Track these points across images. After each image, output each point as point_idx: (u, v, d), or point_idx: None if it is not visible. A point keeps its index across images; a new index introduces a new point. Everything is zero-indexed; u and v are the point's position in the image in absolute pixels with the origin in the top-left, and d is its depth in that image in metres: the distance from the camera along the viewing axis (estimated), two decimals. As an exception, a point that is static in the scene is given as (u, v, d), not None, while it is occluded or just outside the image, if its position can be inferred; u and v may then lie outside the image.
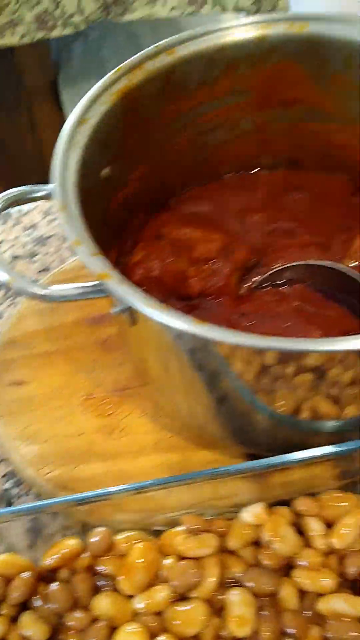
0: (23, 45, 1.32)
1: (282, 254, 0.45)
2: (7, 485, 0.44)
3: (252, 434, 0.38)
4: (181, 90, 0.41)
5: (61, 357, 0.49)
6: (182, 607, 0.33)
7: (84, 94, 0.37)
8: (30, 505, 0.36)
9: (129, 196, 0.43)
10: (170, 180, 0.46)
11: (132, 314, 0.33)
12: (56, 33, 1.18)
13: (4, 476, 0.45)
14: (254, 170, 0.49)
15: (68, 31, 1.18)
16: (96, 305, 0.51)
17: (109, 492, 0.36)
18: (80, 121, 0.36)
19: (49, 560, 0.36)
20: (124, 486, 0.36)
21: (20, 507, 0.36)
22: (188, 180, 0.48)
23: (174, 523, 0.37)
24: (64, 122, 0.36)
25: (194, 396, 0.37)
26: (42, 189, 0.36)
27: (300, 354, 0.29)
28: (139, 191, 0.43)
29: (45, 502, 0.36)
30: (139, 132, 0.40)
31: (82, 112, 0.36)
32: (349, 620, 0.32)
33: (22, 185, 0.36)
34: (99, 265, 0.30)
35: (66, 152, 0.35)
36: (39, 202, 0.62)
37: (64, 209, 0.32)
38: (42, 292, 0.33)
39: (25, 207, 0.62)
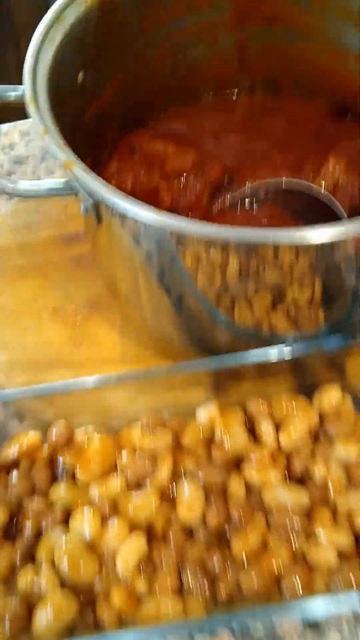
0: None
1: (255, 174, 0.45)
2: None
3: (212, 340, 0.39)
4: (160, 0, 0.41)
5: (33, 271, 0.49)
6: (135, 495, 0.35)
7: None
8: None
9: (104, 106, 0.43)
10: (146, 94, 0.46)
11: (97, 211, 0.33)
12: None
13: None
14: (233, 92, 0.50)
15: None
16: (70, 223, 0.52)
17: (69, 384, 0.37)
18: (57, 18, 0.36)
19: (10, 450, 0.37)
20: (82, 379, 0.37)
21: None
22: (165, 98, 0.48)
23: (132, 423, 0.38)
24: None
25: (156, 300, 0.38)
26: (19, 88, 0.36)
27: (250, 247, 0.30)
28: (114, 102, 0.43)
29: (9, 391, 0.37)
30: (116, 38, 0.41)
31: (59, 9, 0.36)
32: (290, 509, 0.34)
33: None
34: (65, 154, 0.31)
35: (40, 49, 0.35)
36: (19, 123, 0.62)
37: (33, 100, 0.32)
38: (11, 185, 0.34)
39: (4, 127, 0.62)
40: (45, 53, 0.35)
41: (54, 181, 0.34)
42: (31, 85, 0.33)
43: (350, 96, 0.46)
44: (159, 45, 0.44)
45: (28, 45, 1.13)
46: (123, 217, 0.31)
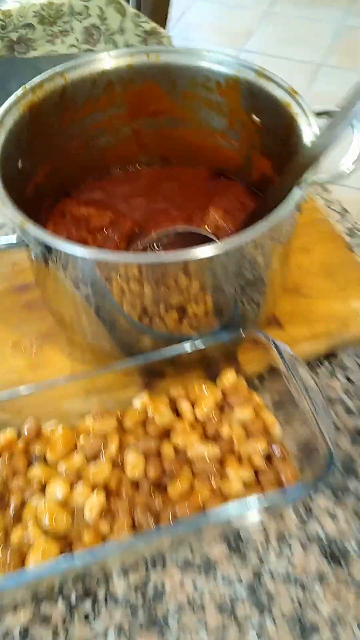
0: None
1: (158, 225, 0.59)
2: None
3: (138, 346, 0.52)
4: (73, 104, 0.56)
5: (-8, 317, 0.61)
6: (92, 465, 0.47)
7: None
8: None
9: (39, 184, 0.56)
10: (70, 173, 0.60)
11: (44, 255, 0.46)
12: (99, 47, 1.29)
13: None
14: (135, 166, 0.64)
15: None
16: (19, 277, 0.64)
17: (20, 392, 0.49)
18: (0, 123, 0.49)
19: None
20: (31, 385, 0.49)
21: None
22: (84, 175, 0.62)
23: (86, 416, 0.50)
24: None
25: (93, 322, 0.51)
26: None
27: (154, 268, 0.43)
28: (46, 181, 0.57)
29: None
30: (42, 135, 0.54)
31: (0, 117, 0.50)
32: (207, 459, 0.46)
33: None
34: (20, 216, 0.44)
35: (-10, 147, 0.48)
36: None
37: (-8, 184, 0.45)
38: (-25, 245, 0.46)
39: None
40: (-6, 150, 0.48)
41: (8, 237, 0.47)
42: (-12, 173, 0.46)
43: (222, 162, 0.61)
44: (75, 137, 0.58)
45: None
46: (64, 255, 0.44)
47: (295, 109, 0.51)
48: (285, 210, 0.44)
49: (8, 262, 0.65)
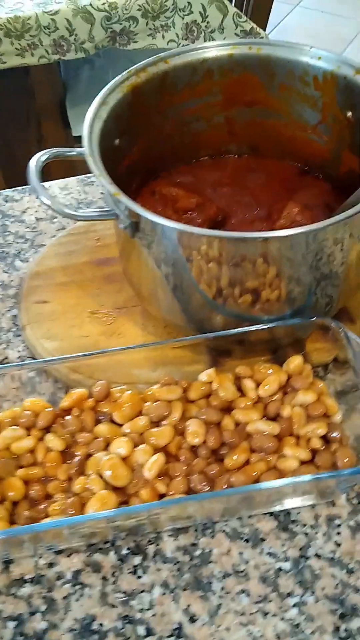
0: (37, 67, 1.50)
1: (240, 216, 0.61)
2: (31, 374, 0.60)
3: (210, 324, 0.54)
4: (172, 88, 0.58)
5: (74, 285, 0.65)
6: (156, 429, 0.49)
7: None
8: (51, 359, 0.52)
9: (132, 162, 0.59)
10: (162, 155, 0.63)
11: (132, 228, 0.49)
12: (70, 56, 1.36)
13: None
14: (225, 155, 0.66)
15: (80, 55, 1.37)
16: (102, 252, 0.68)
17: (94, 352, 0.52)
18: (103, 103, 0.53)
19: (64, 402, 0.51)
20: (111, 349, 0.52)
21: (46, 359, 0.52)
22: (175, 158, 0.64)
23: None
24: (69, 137, 0.52)
25: (170, 295, 0.53)
26: (76, 150, 0.53)
27: (232, 242, 0.45)
28: (139, 160, 0.60)
29: (61, 357, 0.52)
30: (141, 116, 0.57)
31: (104, 97, 0.53)
32: (267, 435, 0.48)
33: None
34: (114, 188, 0.47)
35: (92, 123, 0.52)
36: (57, 181, 0.79)
37: (91, 155, 0.49)
38: (72, 212, 0.50)
39: (47, 184, 0.79)
40: (96, 126, 0.51)
41: (102, 209, 0.50)
42: (89, 146, 0.49)
43: (311, 155, 0.63)
44: (170, 120, 0.61)
45: (47, 123, 1.33)
46: (151, 226, 0.47)
47: (388, 107, 0.51)
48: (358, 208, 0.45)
49: (93, 237, 0.69)
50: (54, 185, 0.78)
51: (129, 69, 0.55)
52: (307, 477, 0.43)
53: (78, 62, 1.66)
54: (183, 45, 1.29)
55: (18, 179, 0.74)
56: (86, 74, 1.68)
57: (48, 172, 0.53)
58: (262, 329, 0.52)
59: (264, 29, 1.57)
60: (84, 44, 1.37)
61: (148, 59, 0.56)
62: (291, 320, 0.52)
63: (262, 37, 1.31)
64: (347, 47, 2.40)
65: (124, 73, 0.55)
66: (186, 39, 1.35)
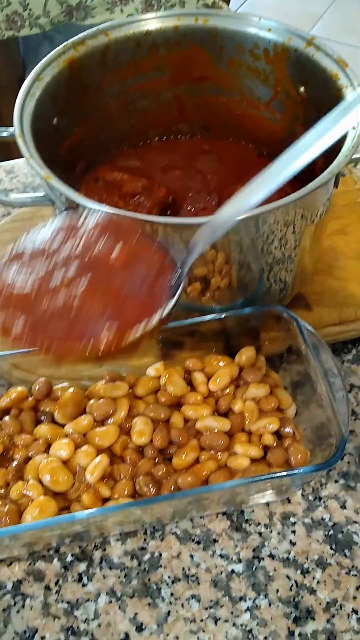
0: (-7, 44, 1.44)
1: (190, 201, 0.58)
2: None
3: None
4: (115, 64, 0.55)
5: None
6: (100, 429, 0.46)
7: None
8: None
9: (74, 145, 0.55)
10: (107, 137, 0.59)
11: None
12: (24, 32, 1.30)
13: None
14: (175, 136, 0.63)
15: (35, 31, 1.31)
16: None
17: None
18: (37, 78, 0.49)
19: (2, 401, 0.48)
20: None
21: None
22: (121, 140, 0.61)
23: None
24: None
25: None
26: (8, 130, 0.49)
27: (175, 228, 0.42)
28: (82, 143, 0.56)
29: (2, 353, 0.48)
30: (81, 94, 0.54)
31: (38, 72, 0.49)
32: (217, 432, 0.45)
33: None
34: (46, 171, 0.43)
35: (24, 101, 0.48)
36: (4, 163, 0.75)
37: (21, 136, 0.45)
38: (6, 198, 0.46)
39: (-8, 166, 0.75)
40: (28, 104, 0.48)
41: (36, 194, 0.46)
42: (19, 126, 0.46)
43: (264, 134, 0.59)
44: (114, 99, 0.57)
45: (6, 102, 1.26)
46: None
47: (343, 81, 0.48)
48: (313, 185, 0.42)
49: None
50: (0, 169, 0.74)
51: (66, 42, 0.51)
52: (257, 479, 0.40)
53: (37, 39, 1.59)
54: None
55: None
56: (46, 50, 1.61)
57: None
58: (214, 319, 0.49)
59: (228, 4, 1.53)
60: (38, 19, 1.31)
61: (86, 31, 0.52)
62: (243, 309, 0.50)
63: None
64: (316, 24, 2.35)
65: (59, 47, 0.51)
66: (145, 13, 1.30)
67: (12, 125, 0.47)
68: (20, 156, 0.71)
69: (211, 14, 0.53)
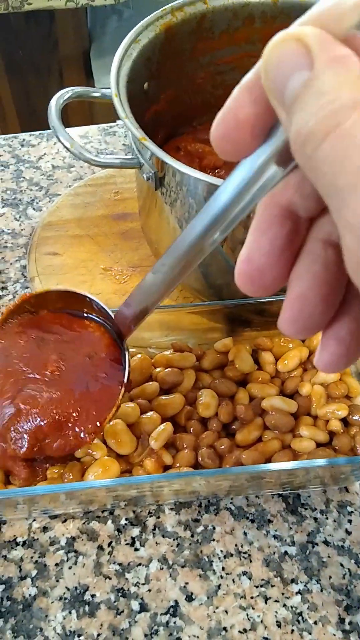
0: (62, 13, 1.45)
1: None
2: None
3: (232, 291, 0.51)
4: (210, 33, 0.54)
5: (88, 239, 0.61)
6: (165, 397, 0.46)
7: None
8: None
9: (160, 111, 0.55)
10: (192, 106, 0.59)
11: (156, 180, 0.45)
12: (98, 2, 1.30)
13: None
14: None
15: (109, 1, 1.31)
16: (119, 206, 0.64)
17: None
18: (134, 40, 0.48)
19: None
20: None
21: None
22: (205, 110, 0.60)
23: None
24: None
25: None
26: (101, 91, 0.49)
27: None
28: (167, 109, 0.56)
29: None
30: (173, 59, 0.53)
31: (136, 34, 0.49)
32: (283, 413, 0.45)
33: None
34: (140, 133, 0.43)
35: (121, 61, 0.47)
36: (76, 128, 0.75)
37: (117, 95, 0.45)
38: (93, 157, 0.46)
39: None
40: (125, 64, 0.47)
41: (125, 156, 0.46)
42: (115, 86, 0.45)
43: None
44: (204, 69, 0.57)
45: (70, 74, 1.28)
46: (178, 176, 0.43)
47: None
48: None
49: (111, 189, 0.65)
50: (73, 133, 0.74)
51: (165, 7, 0.50)
52: (322, 462, 0.40)
53: (106, 12, 1.59)
54: None
55: (35, 130, 0.70)
56: (113, 24, 1.62)
57: (66, 122, 0.49)
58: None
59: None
60: (113, -10, 1.31)
61: (186, -3, 0.51)
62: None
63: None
64: None
65: (159, 10, 0.50)
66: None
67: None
68: (90, 124, 0.72)
69: (314, -10, 0.52)
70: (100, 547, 0.44)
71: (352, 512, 0.46)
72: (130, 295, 0.33)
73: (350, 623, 0.41)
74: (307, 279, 0.20)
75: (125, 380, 0.38)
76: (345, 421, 0.45)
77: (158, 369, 0.48)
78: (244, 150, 0.19)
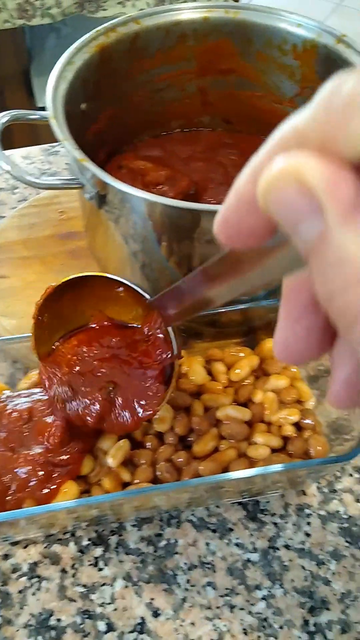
0: (1, 32, 1.44)
1: (212, 192, 0.58)
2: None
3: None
4: (144, 52, 0.55)
5: (36, 260, 0.61)
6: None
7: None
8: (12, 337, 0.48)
9: (100, 131, 0.55)
10: (131, 124, 0.59)
11: (99, 199, 0.46)
12: (35, 22, 1.30)
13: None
14: (197, 128, 0.63)
15: (46, 21, 1.31)
16: (65, 225, 0.64)
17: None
18: (69, 62, 0.49)
19: (23, 384, 0.48)
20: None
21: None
22: (145, 128, 0.61)
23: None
24: (33, 108, 0.48)
25: (134, 269, 0.50)
26: (39, 113, 0.49)
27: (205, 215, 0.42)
28: (107, 128, 0.56)
29: (20, 336, 0.48)
30: (109, 79, 0.54)
31: (70, 56, 0.49)
32: (237, 421, 0.46)
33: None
34: (80, 154, 0.43)
35: (57, 83, 0.48)
36: (19, 149, 0.75)
37: (55, 117, 0.45)
38: (34, 180, 0.46)
39: (8, 152, 0.74)
40: (60, 86, 0.48)
41: (67, 177, 0.46)
42: (53, 108, 0.46)
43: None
44: (141, 87, 0.57)
45: (10, 92, 1.27)
46: (119, 195, 0.43)
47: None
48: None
49: (56, 209, 0.65)
50: (16, 154, 0.74)
51: (98, 28, 0.51)
52: (278, 467, 0.40)
53: (44, 30, 1.59)
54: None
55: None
56: (52, 42, 1.62)
57: (10, 143, 0.49)
58: (235, 310, 0.50)
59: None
60: (50, 9, 1.31)
61: (118, 19, 0.52)
62: (264, 301, 0.50)
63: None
64: (329, 17, 2.36)
65: (92, 32, 0.51)
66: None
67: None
68: (34, 143, 0.72)
69: (242, 7, 0.54)
70: (64, 570, 0.44)
71: (310, 514, 0.47)
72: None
73: (314, 625, 0.42)
74: (351, 363, 0.19)
75: (175, 353, 0.41)
76: (298, 426, 0.46)
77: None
78: (254, 245, 0.18)
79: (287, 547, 0.45)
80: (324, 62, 0.53)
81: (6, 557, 0.44)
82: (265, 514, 0.47)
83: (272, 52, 0.55)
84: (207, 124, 0.63)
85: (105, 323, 0.44)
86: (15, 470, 0.42)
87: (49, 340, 0.44)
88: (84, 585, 0.43)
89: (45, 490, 0.42)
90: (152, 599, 0.43)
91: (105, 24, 0.52)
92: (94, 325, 0.45)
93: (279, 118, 0.57)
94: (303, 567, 0.44)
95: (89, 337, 0.44)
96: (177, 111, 0.61)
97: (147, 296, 0.42)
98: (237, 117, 0.62)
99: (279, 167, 0.15)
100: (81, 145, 0.47)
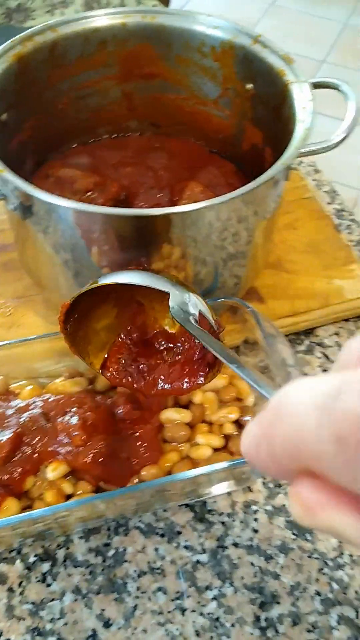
0: None
1: (143, 197, 0.58)
2: None
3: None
4: (64, 60, 0.54)
5: (-32, 275, 0.60)
6: (60, 425, 0.45)
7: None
8: None
9: (24, 141, 0.55)
10: (57, 133, 0.59)
11: (23, 210, 0.45)
12: None
13: None
14: (124, 133, 0.63)
15: (-27, 33, 1.29)
16: (-2, 238, 0.63)
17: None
18: (-16, 74, 0.48)
19: None
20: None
21: None
22: (71, 136, 0.60)
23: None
24: None
25: (66, 278, 0.50)
26: None
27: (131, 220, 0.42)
28: (31, 139, 0.55)
29: None
30: (30, 88, 0.53)
31: (-14, 66, 0.49)
32: (178, 424, 0.46)
33: None
34: (0, 165, 0.42)
35: (-27, 95, 0.47)
36: None
37: (-29, 130, 0.44)
38: None
39: None
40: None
41: (-15, 189, 0.46)
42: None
43: (213, 131, 0.60)
44: (64, 95, 0.57)
45: None
46: (42, 206, 0.43)
47: (289, 77, 0.50)
48: (261, 180, 0.43)
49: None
50: None
51: (14, 38, 0.50)
52: (222, 465, 0.41)
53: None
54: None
55: None
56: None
57: None
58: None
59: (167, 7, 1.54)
60: (-23, 21, 1.29)
61: (34, 27, 0.52)
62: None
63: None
64: (257, 24, 2.39)
65: (8, 42, 0.50)
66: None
67: None
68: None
69: (159, 11, 0.54)
70: (10, 589, 0.43)
71: (257, 510, 0.47)
72: None
73: (266, 619, 0.42)
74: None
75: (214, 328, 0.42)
76: (238, 423, 0.47)
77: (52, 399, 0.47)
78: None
79: (235, 545, 0.45)
80: (243, 62, 0.53)
81: None
82: (213, 514, 0.47)
83: (192, 54, 0.56)
84: (135, 128, 0.63)
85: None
86: None
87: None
88: (33, 603, 0.43)
89: None
90: (103, 609, 0.42)
91: (21, 34, 0.51)
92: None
93: (204, 119, 0.58)
94: (252, 564, 0.45)
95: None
96: (103, 117, 0.61)
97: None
98: (164, 120, 0.62)
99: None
100: (5, 156, 0.47)
